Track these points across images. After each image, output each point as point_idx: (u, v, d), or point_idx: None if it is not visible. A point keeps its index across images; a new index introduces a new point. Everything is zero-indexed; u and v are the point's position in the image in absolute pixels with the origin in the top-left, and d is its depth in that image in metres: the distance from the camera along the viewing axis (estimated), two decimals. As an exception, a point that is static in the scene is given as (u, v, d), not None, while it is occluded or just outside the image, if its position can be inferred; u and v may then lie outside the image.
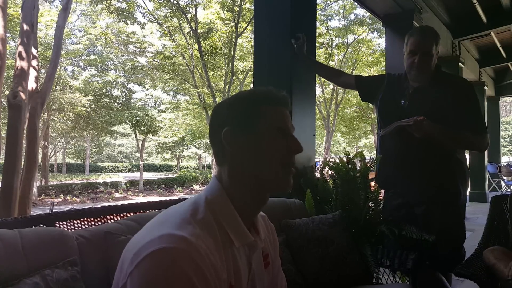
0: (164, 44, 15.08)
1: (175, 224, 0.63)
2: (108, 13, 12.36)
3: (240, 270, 0.70)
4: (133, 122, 17.20)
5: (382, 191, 1.96)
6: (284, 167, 0.73)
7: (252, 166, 0.71)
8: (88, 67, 17.55)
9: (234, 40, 12.68)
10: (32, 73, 6.47)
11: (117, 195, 15.70)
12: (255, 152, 0.71)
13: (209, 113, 14.16)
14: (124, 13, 12.26)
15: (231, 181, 0.72)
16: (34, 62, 6.60)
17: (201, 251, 0.60)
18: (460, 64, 5.31)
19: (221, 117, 0.75)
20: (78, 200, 13.90)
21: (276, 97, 0.75)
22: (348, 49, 15.36)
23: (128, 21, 12.70)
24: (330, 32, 14.75)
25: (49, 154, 20.68)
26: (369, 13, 4.09)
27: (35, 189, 11.31)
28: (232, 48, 12.85)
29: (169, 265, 0.57)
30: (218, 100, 13.67)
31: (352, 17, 14.81)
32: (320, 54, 14.43)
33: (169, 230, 0.61)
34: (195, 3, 12.59)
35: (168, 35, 13.64)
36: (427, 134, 1.62)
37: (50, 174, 22.84)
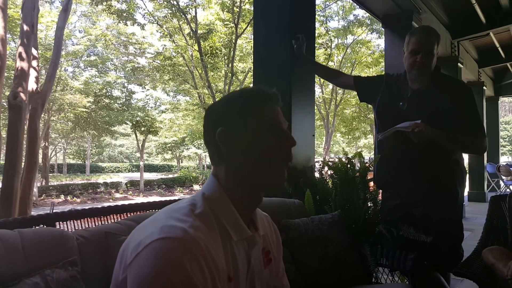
0: (164, 45, 15.10)
1: (175, 217, 0.65)
2: (108, 14, 12.37)
3: (238, 265, 0.72)
4: (134, 122, 17.22)
5: (381, 191, 1.97)
6: (280, 163, 0.74)
7: (248, 165, 0.73)
8: (89, 68, 17.55)
9: (233, 41, 12.69)
10: (33, 74, 6.48)
11: (117, 195, 15.71)
12: (250, 151, 0.72)
13: (209, 113, 14.23)
14: (124, 14, 12.28)
15: (227, 179, 0.74)
16: (34, 63, 6.60)
17: (199, 242, 0.62)
18: (459, 64, 5.31)
19: (214, 118, 0.76)
20: (78, 200, 13.91)
21: (267, 94, 0.76)
22: (348, 50, 15.37)
23: (128, 22, 12.72)
24: (329, 32, 14.75)
25: (49, 155, 20.68)
26: (368, 14, 4.09)
27: (35, 190, 11.31)
28: (231, 49, 12.86)
29: (167, 254, 0.58)
30: (218, 100, 13.68)
31: (351, 17, 14.83)
32: (320, 55, 14.44)
33: (169, 222, 0.63)
34: (195, 4, 12.60)
35: (168, 36, 13.66)
36: (426, 139, 1.63)
37: (51, 174, 22.85)
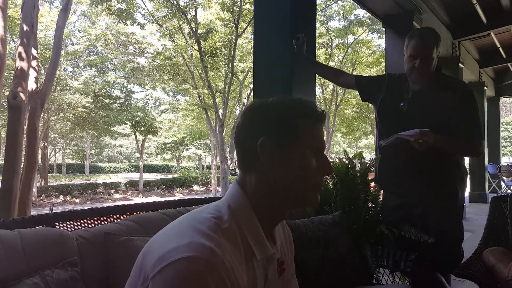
0: (164, 45, 15.09)
1: (202, 232, 0.63)
2: (108, 14, 12.37)
3: (257, 283, 0.71)
4: (133, 122, 17.21)
5: (381, 191, 1.96)
6: (314, 186, 0.74)
7: (282, 180, 0.71)
8: (88, 68, 17.56)
9: (234, 40, 12.68)
10: (32, 74, 6.48)
11: (116, 195, 15.71)
12: (288, 167, 0.71)
13: (209, 113, 14.24)
14: (124, 14, 12.27)
15: (256, 190, 0.72)
16: (34, 63, 6.60)
17: (227, 264, 0.61)
18: (460, 64, 5.31)
19: (258, 123, 0.72)
20: (78, 200, 13.92)
21: (317, 113, 0.73)
22: (348, 50, 15.37)
23: (128, 22, 12.72)
24: (330, 32, 14.76)
25: (48, 155, 20.69)
26: (369, 14, 4.09)
27: (34, 190, 11.31)
28: (232, 49, 12.85)
29: (195, 275, 0.57)
30: (218, 100, 13.68)
31: (352, 17, 14.82)
32: (320, 55, 14.44)
33: (196, 238, 0.61)
34: (195, 3, 12.59)
35: (168, 35, 13.65)
36: (429, 147, 1.61)
37: (50, 174, 22.85)
